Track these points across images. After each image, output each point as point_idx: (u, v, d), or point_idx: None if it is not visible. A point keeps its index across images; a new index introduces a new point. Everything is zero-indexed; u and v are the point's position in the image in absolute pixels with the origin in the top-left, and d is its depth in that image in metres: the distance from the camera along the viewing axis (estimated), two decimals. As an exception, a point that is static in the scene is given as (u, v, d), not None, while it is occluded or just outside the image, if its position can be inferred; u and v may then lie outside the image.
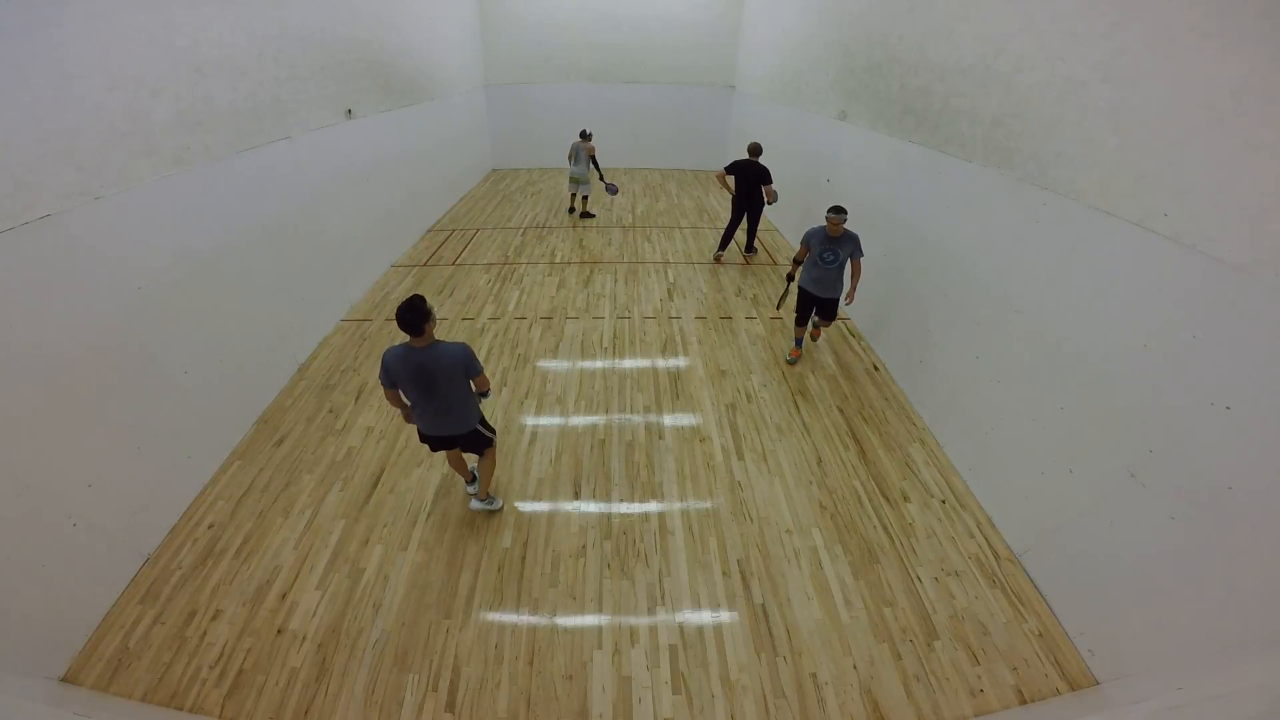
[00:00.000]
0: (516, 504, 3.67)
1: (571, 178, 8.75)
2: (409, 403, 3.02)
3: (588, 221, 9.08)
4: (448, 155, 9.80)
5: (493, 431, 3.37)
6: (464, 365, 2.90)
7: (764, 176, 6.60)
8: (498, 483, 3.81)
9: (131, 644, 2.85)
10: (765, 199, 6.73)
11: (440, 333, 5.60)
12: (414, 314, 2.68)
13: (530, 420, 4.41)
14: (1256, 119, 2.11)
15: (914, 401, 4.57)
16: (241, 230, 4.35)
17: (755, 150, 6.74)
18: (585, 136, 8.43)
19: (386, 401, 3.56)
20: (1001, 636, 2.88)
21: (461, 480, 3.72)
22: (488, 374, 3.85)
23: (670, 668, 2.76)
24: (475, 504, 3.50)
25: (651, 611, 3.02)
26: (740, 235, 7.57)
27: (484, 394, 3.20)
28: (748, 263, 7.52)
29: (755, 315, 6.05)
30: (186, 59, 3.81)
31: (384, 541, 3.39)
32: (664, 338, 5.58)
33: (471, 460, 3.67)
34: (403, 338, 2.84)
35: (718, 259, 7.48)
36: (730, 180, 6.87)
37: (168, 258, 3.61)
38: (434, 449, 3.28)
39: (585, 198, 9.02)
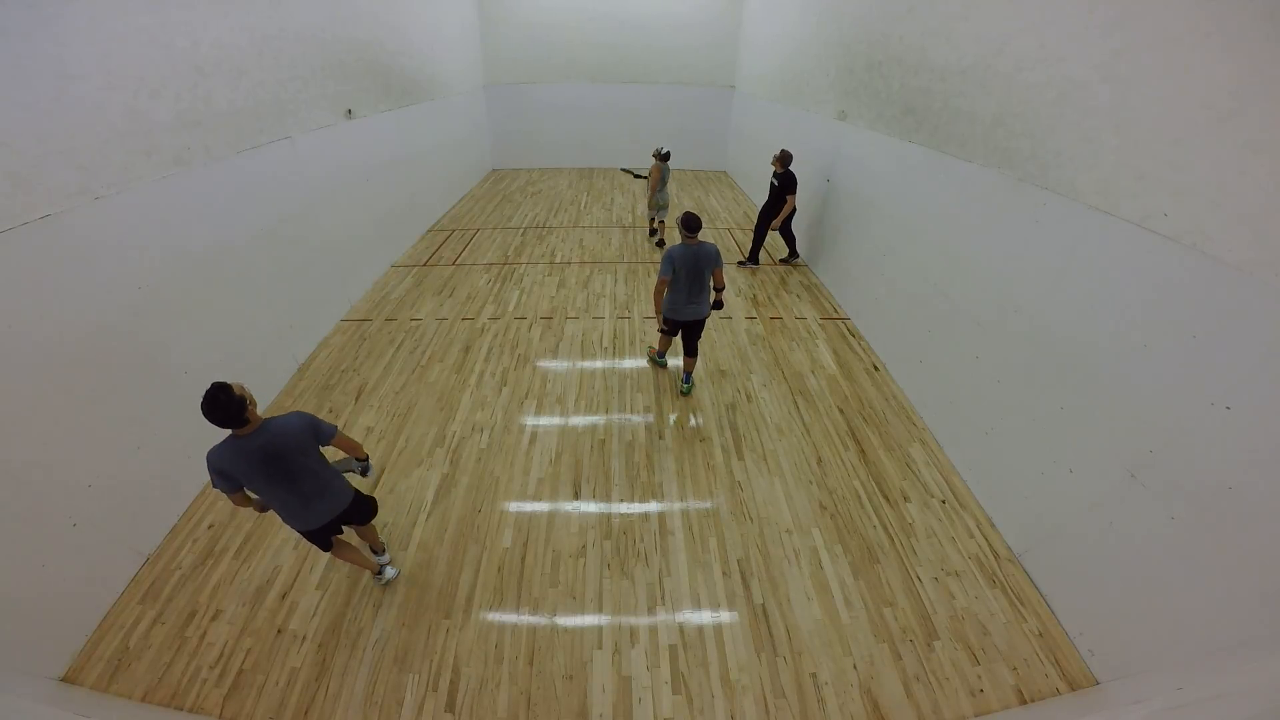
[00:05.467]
0: (517, 504, 3.68)
1: (663, 204, 7.83)
2: (265, 502, 2.45)
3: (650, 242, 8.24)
4: (448, 155, 9.80)
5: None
6: (312, 433, 2.36)
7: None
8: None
9: (131, 644, 2.85)
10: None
11: (443, 331, 5.62)
12: (223, 410, 2.08)
13: (530, 420, 4.41)
14: (1256, 119, 2.11)
15: (914, 401, 4.57)
16: (241, 230, 4.35)
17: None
18: (666, 157, 7.39)
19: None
20: (1001, 636, 2.88)
21: (362, 566, 3.06)
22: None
23: (670, 668, 2.76)
24: (391, 571, 3.10)
25: (651, 611, 3.02)
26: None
27: (364, 463, 2.70)
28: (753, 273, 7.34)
29: (755, 315, 6.05)
30: (186, 59, 3.81)
31: (384, 541, 3.39)
32: (664, 338, 5.58)
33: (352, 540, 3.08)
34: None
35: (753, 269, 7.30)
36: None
37: (168, 258, 3.61)
38: (325, 545, 2.73)
39: (663, 222, 8.14)
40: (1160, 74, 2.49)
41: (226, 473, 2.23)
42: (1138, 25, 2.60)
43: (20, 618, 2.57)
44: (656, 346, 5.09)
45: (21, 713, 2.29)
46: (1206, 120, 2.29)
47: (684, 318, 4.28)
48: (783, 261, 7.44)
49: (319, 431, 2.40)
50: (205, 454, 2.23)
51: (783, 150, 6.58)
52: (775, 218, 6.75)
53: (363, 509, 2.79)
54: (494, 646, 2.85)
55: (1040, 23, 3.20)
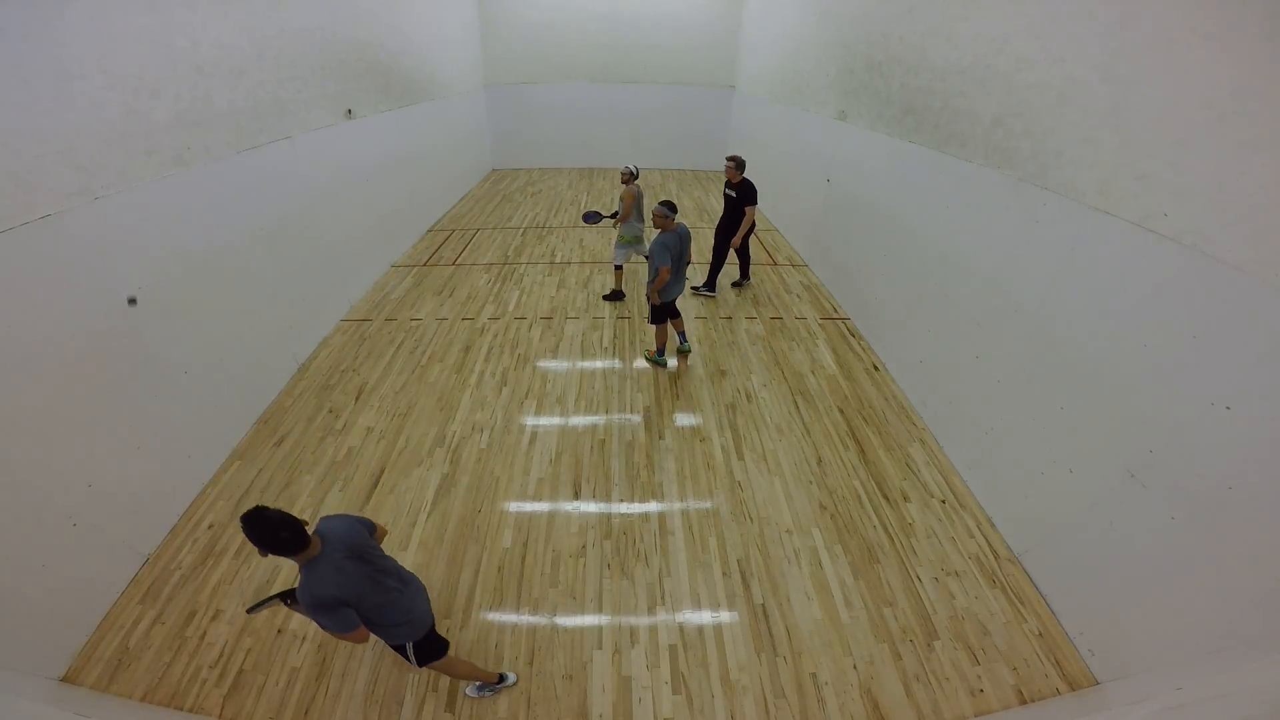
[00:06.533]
0: (516, 504, 3.67)
1: (636, 237, 5.94)
2: (384, 610, 2.04)
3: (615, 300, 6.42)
4: (448, 155, 9.80)
5: None
6: (363, 526, 2.08)
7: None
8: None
9: (131, 644, 2.85)
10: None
11: (443, 331, 5.63)
12: (289, 528, 1.72)
13: (530, 420, 4.41)
14: (1256, 119, 2.11)
15: (914, 401, 4.57)
16: (241, 230, 4.35)
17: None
18: (634, 177, 5.91)
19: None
20: (1001, 636, 2.88)
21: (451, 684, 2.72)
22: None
23: (670, 668, 2.76)
24: (511, 677, 2.72)
25: (651, 611, 3.02)
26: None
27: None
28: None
29: (755, 315, 6.05)
30: (186, 59, 3.81)
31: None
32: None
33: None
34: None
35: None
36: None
37: (167, 258, 3.61)
38: (444, 645, 2.36)
39: (620, 268, 6.29)
40: (1160, 74, 2.48)
41: (346, 600, 1.82)
42: (1138, 25, 2.60)
43: (20, 618, 2.57)
44: (655, 346, 5.08)
45: (21, 713, 2.29)
46: (1206, 120, 2.29)
47: (675, 296, 4.68)
48: (734, 285, 6.64)
49: (366, 524, 2.11)
50: (305, 604, 1.80)
51: (735, 156, 5.79)
52: (734, 234, 5.90)
53: None
54: (494, 646, 2.85)
55: (1040, 23, 3.20)
